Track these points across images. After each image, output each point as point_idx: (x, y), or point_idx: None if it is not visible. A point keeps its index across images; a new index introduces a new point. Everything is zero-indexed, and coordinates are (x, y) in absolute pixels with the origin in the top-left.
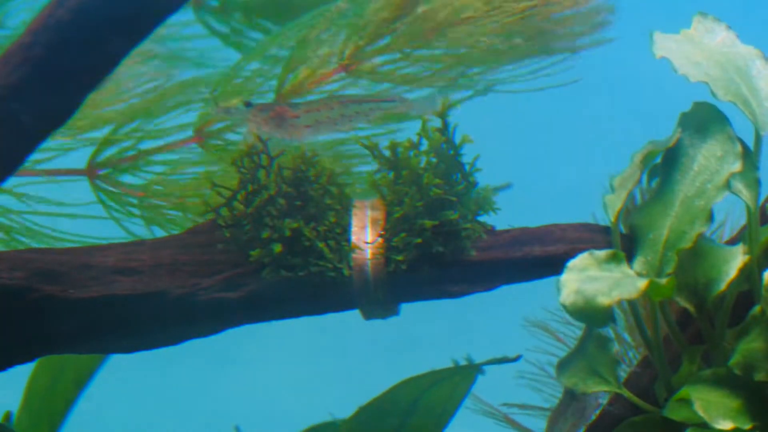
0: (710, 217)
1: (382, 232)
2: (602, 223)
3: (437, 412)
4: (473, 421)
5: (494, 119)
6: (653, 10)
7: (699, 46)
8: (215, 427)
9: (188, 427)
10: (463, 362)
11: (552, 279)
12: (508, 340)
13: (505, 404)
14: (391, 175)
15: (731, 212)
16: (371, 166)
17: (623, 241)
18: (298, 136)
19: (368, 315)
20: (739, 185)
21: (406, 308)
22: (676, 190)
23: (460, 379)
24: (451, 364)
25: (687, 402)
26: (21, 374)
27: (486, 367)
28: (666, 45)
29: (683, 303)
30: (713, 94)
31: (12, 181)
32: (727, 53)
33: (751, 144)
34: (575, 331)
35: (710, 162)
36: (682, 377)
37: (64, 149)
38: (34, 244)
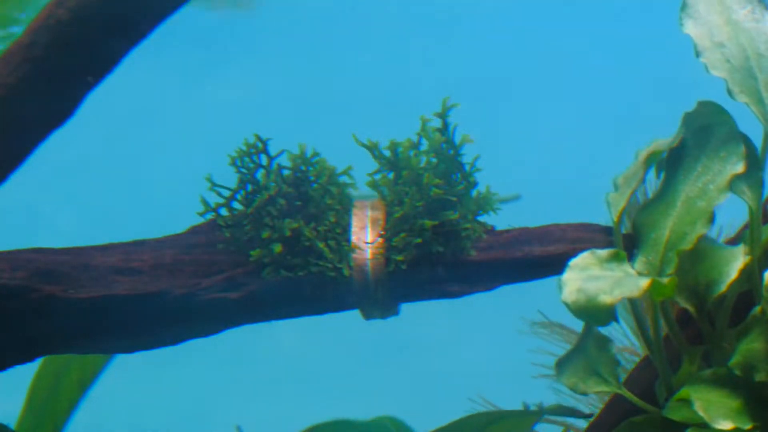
0: (712, 219)
1: (382, 232)
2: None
3: None
4: None
5: (494, 119)
6: (654, 9)
7: (727, 13)
8: (218, 427)
9: (191, 427)
10: (532, 407)
11: (548, 280)
12: (507, 340)
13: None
14: (391, 175)
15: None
16: None
17: (625, 241)
18: None
19: (368, 315)
20: (742, 186)
21: (405, 308)
22: (678, 190)
23: (524, 418)
24: (521, 407)
25: (687, 402)
26: (26, 374)
27: (490, 366)
28: (695, 10)
29: (684, 303)
30: (728, 92)
31: None
32: (750, 31)
33: (759, 143)
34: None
35: (713, 162)
36: (682, 377)
37: None
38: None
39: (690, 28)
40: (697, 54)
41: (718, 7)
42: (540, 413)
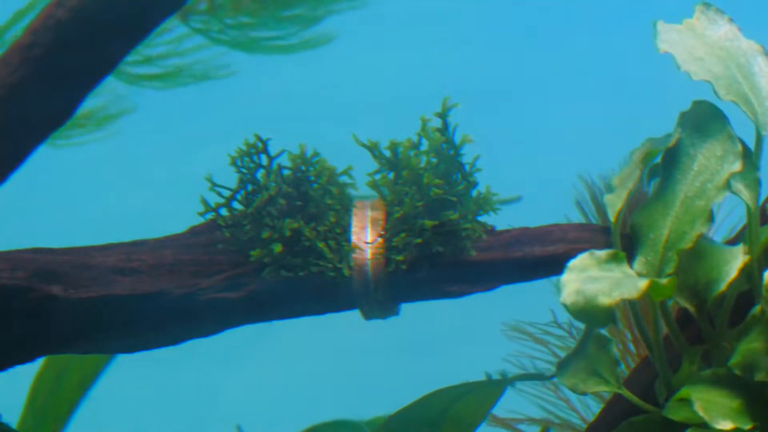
0: (711, 218)
1: (382, 232)
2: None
3: (466, 422)
4: None
5: (493, 118)
6: (650, 7)
7: (701, 38)
8: (218, 427)
9: (191, 427)
10: (496, 376)
11: (543, 281)
12: (508, 340)
13: None
14: (391, 175)
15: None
16: None
17: (623, 241)
18: None
19: (368, 315)
20: (739, 185)
21: (405, 308)
22: (676, 189)
23: (489, 391)
24: (483, 377)
25: (687, 402)
26: (26, 374)
27: (490, 366)
28: (669, 37)
29: (683, 303)
30: (715, 93)
31: None
32: (728, 48)
33: (751, 143)
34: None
35: (710, 161)
36: (682, 377)
37: None
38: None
39: (667, 49)
40: (678, 67)
41: (690, 33)
42: (504, 382)
